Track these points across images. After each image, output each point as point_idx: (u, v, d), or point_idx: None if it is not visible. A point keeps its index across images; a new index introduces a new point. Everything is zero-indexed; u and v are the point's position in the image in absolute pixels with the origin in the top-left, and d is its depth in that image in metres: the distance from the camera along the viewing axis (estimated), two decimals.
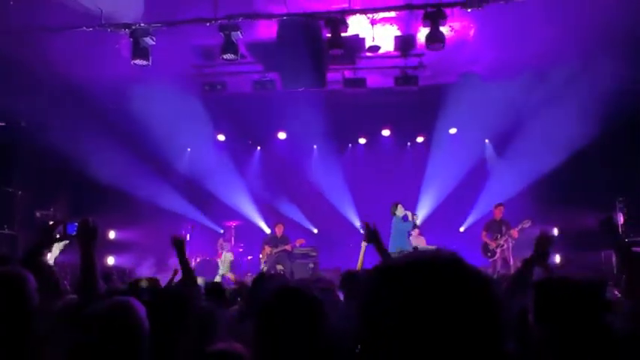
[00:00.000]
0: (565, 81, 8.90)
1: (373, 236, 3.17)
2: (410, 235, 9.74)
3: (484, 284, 0.75)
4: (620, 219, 9.47)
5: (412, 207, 11.86)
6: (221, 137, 11.98)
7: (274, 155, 12.17)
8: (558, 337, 1.60)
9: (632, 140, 8.93)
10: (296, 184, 11.70)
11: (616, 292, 4.00)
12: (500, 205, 10.25)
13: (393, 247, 9.27)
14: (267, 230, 11.65)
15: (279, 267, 9.93)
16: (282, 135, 12.05)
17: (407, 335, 0.70)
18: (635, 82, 8.21)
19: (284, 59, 9.03)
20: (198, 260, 10.37)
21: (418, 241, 10.71)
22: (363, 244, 5.34)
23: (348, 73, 10.11)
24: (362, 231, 7.48)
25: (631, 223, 9.13)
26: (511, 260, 9.60)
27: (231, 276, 9.83)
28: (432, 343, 0.69)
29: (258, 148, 12.56)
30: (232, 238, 10.96)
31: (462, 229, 11.64)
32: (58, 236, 2.50)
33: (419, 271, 0.74)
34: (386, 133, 12.06)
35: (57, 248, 2.44)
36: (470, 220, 11.45)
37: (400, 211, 9.69)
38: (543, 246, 3.22)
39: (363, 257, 5.50)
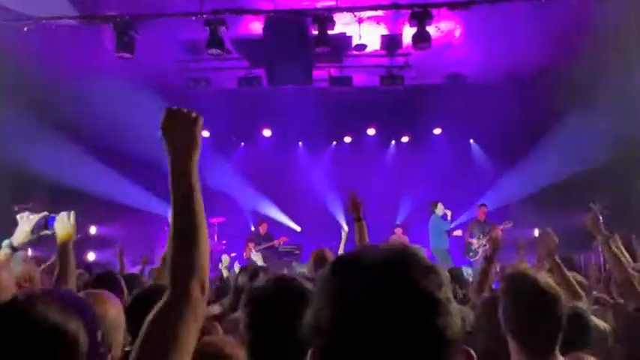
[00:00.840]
0: (551, 84, 8.97)
1: (355, 208, 3.08)
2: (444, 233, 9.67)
3: (432, 298, 0.68)
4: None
5: (395, 206, 11.95)
6: (205, 134, 11.72)
7: (259, 152, 12.09)
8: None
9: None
10: (280, 181, 11.62)
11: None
12: (483, 205, 10.33)
13: (432, 246, 9.40)
14: (252, 228, 11.59)
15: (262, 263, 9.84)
16: (267, 132, 11.97)
17: (336, 335, 0.67)
18: None
19: (270, 56, 9.01)
20: None
21: (400, 241, 10.74)
22: (344, 234, 5.26)
23: (334, 71, 10.11)
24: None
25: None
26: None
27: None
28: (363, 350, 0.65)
29: (242, 144, 12.47)
30: (215, 236, 10.88)
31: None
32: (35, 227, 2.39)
33: (362, 268, 0.70)
34: (371, 132, 12.05)
35: (24, 235, 2.21)
36: (455, 221, 11.46)
37: (440, 209, 9.66)
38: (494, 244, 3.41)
39: (343, 247, 5.44)
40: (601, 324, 2.82)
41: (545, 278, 1.75)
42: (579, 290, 2.82)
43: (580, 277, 3.24)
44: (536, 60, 9.12)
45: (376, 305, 0.65)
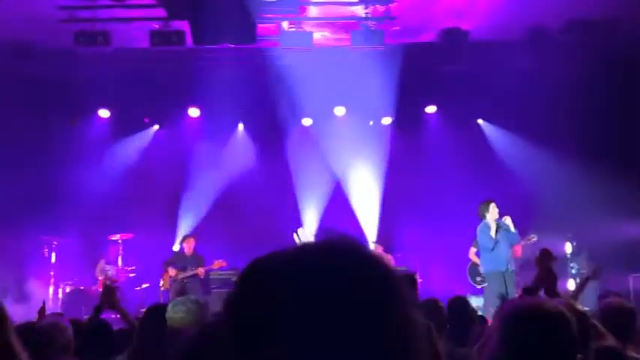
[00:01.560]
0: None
1: None
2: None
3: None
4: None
5: (374, 212, 11.59)
6: (103, 113, 11.62)
7: (182, 138, 11.89)
8: None
9: None
10: (213, 179, 11.36)
11: None
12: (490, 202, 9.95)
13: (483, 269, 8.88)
14: (173, 247, 11.36)
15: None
16: (193, 111, 11.76)
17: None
18: None
19: (197, 3, 8.92)
20: (67, 290, 10.20)
21: None
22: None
23: (288, 25, 9.86)
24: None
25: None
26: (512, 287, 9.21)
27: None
28: None
29: (156, 127, 12.21)
30: (119, 259, 10.61)
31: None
32: None
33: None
34: (339, 111, 11.92)
35: None
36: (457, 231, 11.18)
37: (493, 212, 8.68)
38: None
39: None
40: None
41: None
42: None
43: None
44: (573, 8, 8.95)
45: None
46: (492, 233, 8.54)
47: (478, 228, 8.84)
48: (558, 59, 9.50)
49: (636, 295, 9.18)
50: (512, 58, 9.52)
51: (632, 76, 9.18)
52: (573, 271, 9.44)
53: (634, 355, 3.22)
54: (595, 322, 3.18)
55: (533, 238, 9.28)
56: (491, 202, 8.71)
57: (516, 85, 9.63)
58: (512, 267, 8.57)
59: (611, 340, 3.09)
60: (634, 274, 9.82)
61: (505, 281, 8.39)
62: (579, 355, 1.97)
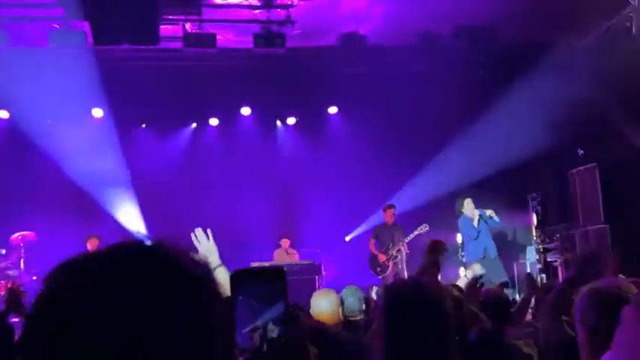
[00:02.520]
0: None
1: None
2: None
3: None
4: (533, 219, 10.11)
5: (281, 211, 11.74)
6: (3, 114, 11.20)
7: (85, 138, 11.36)
8: None
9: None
10: (115, 180, 11.13)
11: None
12: (391, 206, 10.43)
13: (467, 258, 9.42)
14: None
15: None
16: (97, 112, 11.42)
17: None
18: None
19: (97, 3, 8.89)
20: None
21: (288, 258, 10.50)
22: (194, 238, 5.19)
23: (191, 27, 9.90)
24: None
25: (543, 226, 9.86)
26: (405, 275, 9.75)
27: None
28: None
29: (58, 128, 11.52)
30: (21, 262, 10.09)
31: (347, 239, 11.67)
32: None
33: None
34: (245, 111, 11.89)
35: None
36: (361, 227, 11.54)
37: (469, 207, 9.51)
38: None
39: None
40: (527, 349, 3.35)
41: None
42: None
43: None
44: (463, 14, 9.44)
45: None
46: (475, 223, 9.37)
47: (459, 221, 9.66)
48: (447, 62, 9.95)
49: (520, 280, 9.94)
50: (405, 62, 9.85)
51: (510, 78, 9.81)
52: (464, 260, 10.04)
53: (510, 340, 3.59)
54: (473, 308, 3.39)
55: (425, 227, 9.84)
56: (464, 198, 9.56)
57: (409, 87, 9.96)
58: (491, 255, 9.37)
59: (488, 324, 3.26)
60: (517, 262, 10.60)
61: (486, 268, 9.09)
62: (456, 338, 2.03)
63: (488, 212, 9.49)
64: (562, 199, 10.76)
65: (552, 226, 10.55)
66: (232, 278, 1.04)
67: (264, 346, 0.98)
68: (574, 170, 10.53)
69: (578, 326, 2.13)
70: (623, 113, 9.85)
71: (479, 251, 9.42)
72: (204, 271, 0.82)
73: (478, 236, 9.44)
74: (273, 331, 0.99)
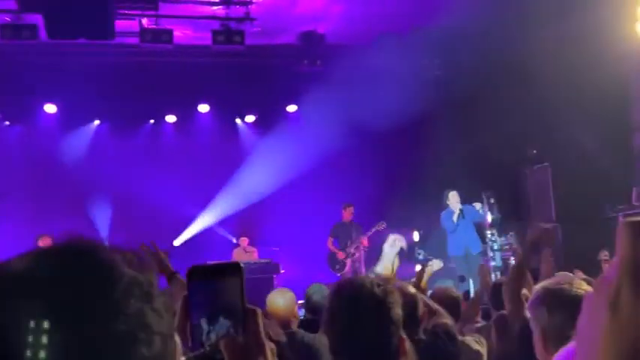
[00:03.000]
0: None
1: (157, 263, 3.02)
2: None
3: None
4: (488, 218, 10.31)
5: (242, 209, 11.69)
6: None
7: (38, 136, 11.29)
8: None
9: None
10: (69, 179, 10.86)
11: None
12: (349, 204, 10.49)
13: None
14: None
15: None
16: (50, 107, 11.16)
17: None
18: None
19: None
20: None
21: (246, 256, 10.49)
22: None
23: (148, 23, 9.74)
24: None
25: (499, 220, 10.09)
26: (363, 272, 9.82)
27: None
28: None
29: (7, 123, 11.51)
30: None
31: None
32: None
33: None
34: (203, 108, 11.80)
35: None
36: (316, 224, 11.55)
37: (454, 200, 9.50)
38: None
39: None
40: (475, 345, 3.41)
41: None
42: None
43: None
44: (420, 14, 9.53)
45: None
46: (454, 217, 9.41)
47: (442, 214, 9.69)
48: (404, 62, 10.07)
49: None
50: (363, 61, 9.92)
51: (467, 76, 9.97)
52: (420, 257, 10.16)
53: (465, 337, 3.67)
54: (430, 302, 3.48)
55: (383, 224, 9.94)
56: (450, 191, 9.58)
57: (368, 85, 10.03)
58: (474, 251, 9.43)
59: (446, 319, 3.31)
60: None
61: (468, 264, 9.22)
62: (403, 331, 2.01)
63: (478, 207, 9.65)
64: (516, 197, 11.01)
65: (506, 225, 10.78)
66: (188, 274, 1.01)
67: (219, 342, 0.96)
68: (527, 170, 10.80)
69: (532, 323, 2.18)
70: (575, 114, 10.16)
71: (459, 246, 9.47)
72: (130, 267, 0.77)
73: (456, 230, 9.49)
74: (229, 327, 0.97)
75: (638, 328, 0.61)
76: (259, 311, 1.00)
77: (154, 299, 0.78)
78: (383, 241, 6.87)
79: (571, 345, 1.84)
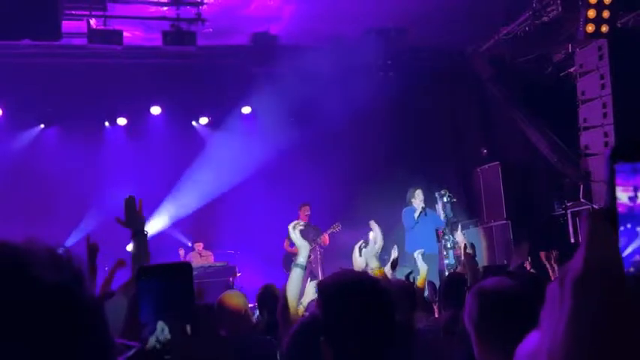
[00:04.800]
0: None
1: (133, 218, 3.13)
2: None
3: None
4: (441, 216, 10.47)
5: (196, 212, 11.56)
6: None
7: None
8: None
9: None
10: (19, 185, 10.69)
11: None
12: (305, 204, 10.47)
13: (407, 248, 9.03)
14: None
15: None
16: None
17: None
18: None
19: None
20: None
21: (202, 260, 10.39)
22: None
23: (96, 23, 9.53)
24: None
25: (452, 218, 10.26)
26: (320, 275, 9.84)
27: None
28: None
29: None
30: None
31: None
32: None
33: None
34: (155, 110, 11.65)
35: None
36: (272, 225, 11.52)
37: (418, 198, 9.36)
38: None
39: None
40: None
41: None
42: None
43: None
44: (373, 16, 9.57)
45: None
46: (415, 215, 9.37)
47: (403, 211, 9.59)
48: (357, 63, 10.19)
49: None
50: (316, 62, 9.96)
51: (418, 77, 10.13)
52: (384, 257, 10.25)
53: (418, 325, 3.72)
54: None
55: (338, 226, 9.98)
56: (417, 188, 9.51)
57: (321, 87, 10.05)
58: (430, 251, 9.12)
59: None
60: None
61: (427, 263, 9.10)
62: None
63: (440, 209, 9.72)
64: (467, 196, 11.21)
65: (459, 223, 10.97)
66: (137, 274, 1.02)
67: (166, 343, 0.96)
68: (478, 168, 11.01)
69: (466, 323, 2.22)
70: (524, 113, 10.42)
71: (417, 244, 9.39)
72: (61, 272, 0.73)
73: (414, 228, 9.47)
74: (176, 328, 0.97)
75: (603, 316, 0.61)
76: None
77: (84, 303, 0.73)
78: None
79: (532, 334, 1.88)
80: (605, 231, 0.64)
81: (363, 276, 1.99)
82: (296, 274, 3.15)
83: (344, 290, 1.92)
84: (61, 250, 0.77)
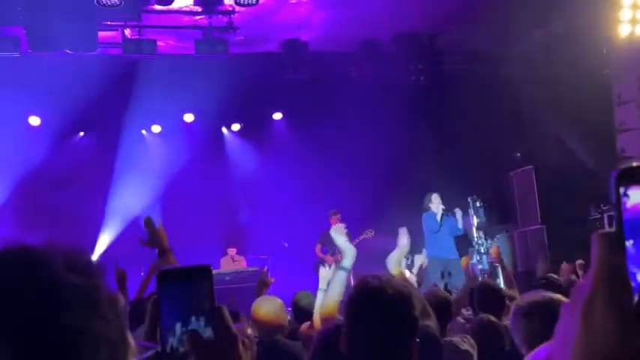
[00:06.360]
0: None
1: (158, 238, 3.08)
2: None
3: None
4: (474, 221, 10.41)
5: (227, 217, 11.70)
6: None
7: (22, 147, 11.03)
8: None
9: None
10: (55, 193, 10.74)
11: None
12: (336, 212, 10.52)
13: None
14: None
15: None
16: (33, 120, 11.11)
17: None
18: None
19: (33, 8, 8.70)
20: None
21: (234, 265, 10.51)
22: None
23: (131, 33, 9.83)
24: None
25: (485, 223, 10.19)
26: (352, 280, 9.85)
27: None
28: None
29: None
30: None
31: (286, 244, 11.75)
32: None
33: None
34: (189, 117, 11.82)
35: None
36: (304, 231, 11.62)
37: (436, 203, 9.43)
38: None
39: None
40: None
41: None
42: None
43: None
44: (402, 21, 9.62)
45: None
46: (438, 218, 9.45)
47: (423, 216, 9.65)
48: (387, 68, 10.23)
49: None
50: (347, 68, 10.05)
51: (451, 81, 10.11)
52: (408, 262, 10.21)
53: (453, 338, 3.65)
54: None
55: (371, 233, 10.00)
56: (432, 193, 9.60)
57: (352, 92, 10.15)
58: (452, 255, 9.35)
59: (430, 321, 3.24)
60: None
61: (448, 268, 9.08)
62: None
63: (458, 216, 9.65)
64: (501, 200, 11.13)
65: (493, 228, 10.89)
66: (158, 278, 1.01)
67: (187, 347, 0.96)
68: (512, 172, 10.93)
69: (517, 339, 2.26)
70: (559, 116, 10.31)
71: (440, 248, 9.38)
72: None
73: (439, 231, 9.48)
74: (199, 331, 0.97)
75: (609, 337, 0.62)
76: (224, 307, 0.99)
77: (100, 305, 0.74)
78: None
79: (542, 347, 1.93)
80: (613, 253, 0.64)
81: (386, 284, 1.95)
82: (339, 277, 3.16)
83: (357, 298, 1.94)
84: (83, 252, 0.78)
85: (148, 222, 3.13)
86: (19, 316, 0.69)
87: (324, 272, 4.20)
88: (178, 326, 0.98)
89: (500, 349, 3.59)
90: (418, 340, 1.91)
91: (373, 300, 1.89)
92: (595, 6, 8.97)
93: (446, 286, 7.78)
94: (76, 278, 0.74)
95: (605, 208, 9.57)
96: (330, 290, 3.19)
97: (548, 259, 8.48)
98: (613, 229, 0.65)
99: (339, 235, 3.34)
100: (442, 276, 9.15)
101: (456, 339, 3.59)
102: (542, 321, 2.15)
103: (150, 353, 0.94)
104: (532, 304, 2.19)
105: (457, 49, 10.72)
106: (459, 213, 9.58)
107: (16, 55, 9.21)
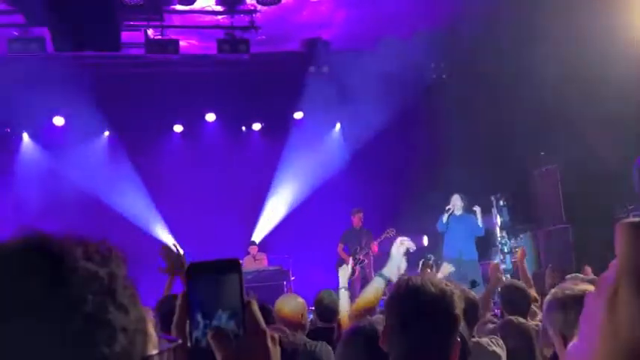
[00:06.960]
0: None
1: (178, 264, 3.09)
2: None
3: None
4: (497, 220, 10.32)
5: (249, 217, 11.75)
6: None
7: (48, 146, 11.35)
8: None
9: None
10: (73, 192, 10.79)
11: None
12: (358, 210, 10.51)
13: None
14: None
15: None
16: (58, 120, 11.24)
17: None
18: None
19: (57, 8, 8.62)
20: None
21: (256, 264, 10.55)
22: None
23: (153, 33, 9.84)
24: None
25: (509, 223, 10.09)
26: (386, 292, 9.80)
27: None
28: None
29: (25, 137, 11.54)
30: None
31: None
32: None
33: None
34: (210, 117, 11.89)
35: None
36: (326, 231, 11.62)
37: (459, 204, 9.42)
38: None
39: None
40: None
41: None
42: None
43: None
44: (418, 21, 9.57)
45: None
46: (444, 218, 9.43)
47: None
48: (408, 66, 10.19)
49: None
50: (368, 66, 10.01)
51: (472, 78, 10.00)
52: (430, 262, 10.18)
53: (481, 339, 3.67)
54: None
55: (392, 231, 9.96)
56: (453, 194, 9.56)
57: (373, 90, 10.09)
58: (466, 257, 9.25)
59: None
60: (483, 263, 10.80)
61: (459, 268, 9.07)
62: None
63: (478, 215, 9.58)
64: (525, 199, 11.02)
65: (516, 227, 10.79)
66: (187, 271, 1.01)
67: (211, 342, 0.96)
68: (536, 171, 10.81)
69: (548, 326, 2.25)
70: (583, 114, 10.16)
71: (452, 249, 9.37)
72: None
73: (447, 231, 9.44)
74: (227, 324, 0.97)
75: (635, 329, 0.61)
76: (254, 301, 0.98)
77: (118, 293, 0.75)
78: (392, 246, 6.90)
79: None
80: (638, 243, 0.63)
81: (428, 281, 1.95)
82: (377, 282, 3.23)
83: (398, 294, 1.95)
84: (102, 242, 0.78)
85: (165, 250, 3.16)
86: (36, 303, 0.70)
87: (344, 271, 4.22)
88: (204, 319, 0.98)
89: (530, 351, 3.54)
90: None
91: (415, 297, 1.89)
92: (627, 4, 8.83)
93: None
94: (94, 267, 0.74)
95: (630, 207, 9.41)
96: (365, 292, 3.23)
97: (556, 273, 8.34)
98: (637, 219, 0.65)
99: (399, 248, 3.34)
100: (472, 284, 9.06)
101: (484, 340, 3.54)
102: (578, 313, 2.12)
103: (171, 345, 0.92)
104: (569, 295, 2.16)
105: (479, 47, 10.62)
106: (478, 211, 9.50)
107: (42, 55, 9.29)
